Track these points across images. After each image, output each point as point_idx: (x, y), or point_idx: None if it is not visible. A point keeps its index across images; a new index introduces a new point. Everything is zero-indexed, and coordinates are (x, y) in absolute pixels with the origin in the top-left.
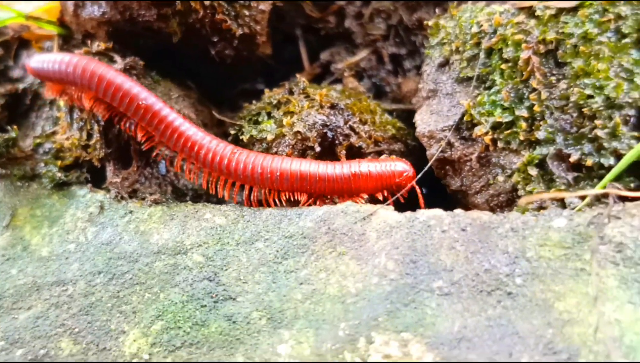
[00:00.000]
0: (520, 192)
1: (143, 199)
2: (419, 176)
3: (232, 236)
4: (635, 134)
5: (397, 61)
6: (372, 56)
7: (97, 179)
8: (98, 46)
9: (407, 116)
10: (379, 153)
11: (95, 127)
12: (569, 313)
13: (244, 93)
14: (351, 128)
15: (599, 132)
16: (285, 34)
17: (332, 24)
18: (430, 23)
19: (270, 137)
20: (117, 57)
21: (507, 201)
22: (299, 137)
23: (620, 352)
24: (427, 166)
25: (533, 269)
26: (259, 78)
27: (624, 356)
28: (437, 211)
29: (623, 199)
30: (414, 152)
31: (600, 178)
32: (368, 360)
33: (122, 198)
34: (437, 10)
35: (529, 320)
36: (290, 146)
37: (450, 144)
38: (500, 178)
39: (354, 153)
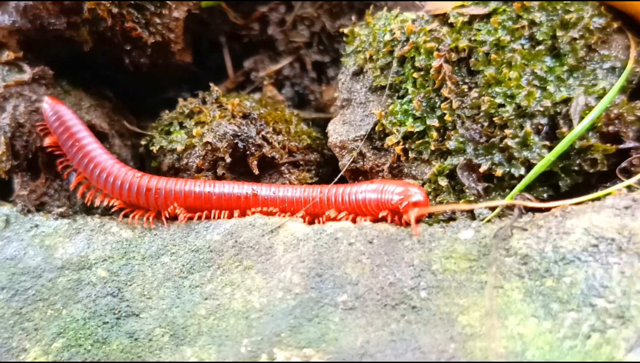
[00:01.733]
0: (432, 203)
1: (50, 212)
2: (333, 183)
3: (138, 250)
4: (547, 143)
5: (320, 69)
6: (295, 64)
7: (5, 192)
8: (7, 55)
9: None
10: (293, 164)
11: (2, 139)
12: (472, 327)
13: (168, 102)
14: (264, 138)
15: (509, 142)
16: (210, 42)
17: (256, 32)
18: (346, 31)
19: (180, 148)
20: (26, 67)
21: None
22: (209, 148)
23: None
24: (338, 177)
25: (438, 282)
26: (184, 86)
27: None
28: (345, 224)
29: (533, 210)
30: (331, 162)
31: (512, 188)
32: None
33: (29, 211)
34: (354, 17)
35: (432, 334)
36: (201, 157)
37: (362, 155)
38: None
39: (267, 164)
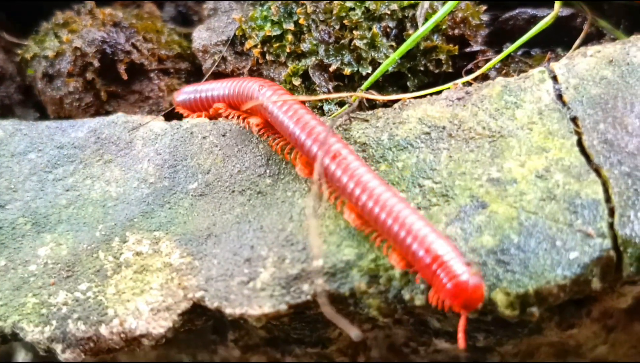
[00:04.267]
0: None
1: None
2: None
3: (7, 148)
4: (393, 44)
5: None
6: None
7: None
8: None
9: None
10: (163, 71)
11: None
12: (310, 207)
13: None
14: (133, 46)
15: (358, 43)
16: None
17: None
18: None
19: (51, 54)
20: None
21: None
22: (78, 53)
23: (350, 242)
24: (203, 80)
25: (282, 169)
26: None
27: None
28: (201, 120)
29: (378, 106)
30: (201, 71)
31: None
32: (120, 258)
33: None
34: None
35: (274, 215)
36: (71, 63)
37: (224, 59)
38: None
39: (136, 70)
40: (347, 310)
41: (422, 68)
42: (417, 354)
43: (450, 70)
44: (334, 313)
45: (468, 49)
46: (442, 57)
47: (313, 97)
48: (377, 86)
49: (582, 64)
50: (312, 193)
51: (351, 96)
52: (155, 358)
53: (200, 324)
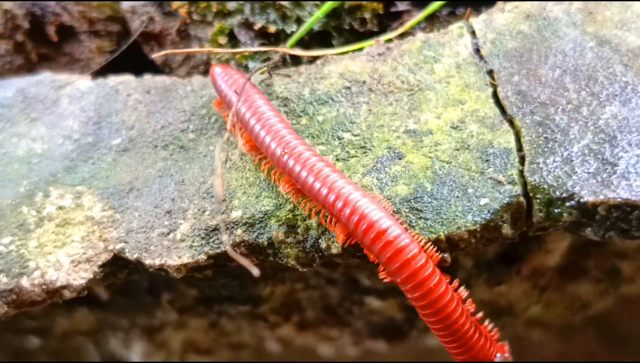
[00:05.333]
0: (213, 61)
1: None
2: (125, 47)
3: None
4: (318, 3)
5: None
6: None
7: None
8: None
9: None
10: (94, 33)
11: None
12: (231, 161)
13: None
14: (63, 8)
15: (283, 1)
16: None
17: None
18: None
19: None
20: None
21: (205, 72)
22: (9, 15)
23: (269, 193)
24: (131, 40)
25: (204, 125)
26: None
27: None
28: (127, 77)
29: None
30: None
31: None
32: (43, 212)
33: None
34: None
35: (195, 169)
36: (2, 25)
37: (152, 19)
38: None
39: (67, 32)
40: (267, 261)
41: (347, 27)
42: (351, 314)
43: (375, 29)
44: (233, 250)
45: (394, 9)
46: (367, 15)
47: (236, 50)
48: (303, 45)
49: (500, 19)
50: (222, 138)
51: (276, 52)
52: (95, 322)
53: (123, 277)
